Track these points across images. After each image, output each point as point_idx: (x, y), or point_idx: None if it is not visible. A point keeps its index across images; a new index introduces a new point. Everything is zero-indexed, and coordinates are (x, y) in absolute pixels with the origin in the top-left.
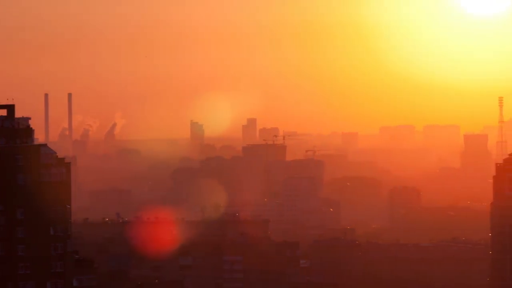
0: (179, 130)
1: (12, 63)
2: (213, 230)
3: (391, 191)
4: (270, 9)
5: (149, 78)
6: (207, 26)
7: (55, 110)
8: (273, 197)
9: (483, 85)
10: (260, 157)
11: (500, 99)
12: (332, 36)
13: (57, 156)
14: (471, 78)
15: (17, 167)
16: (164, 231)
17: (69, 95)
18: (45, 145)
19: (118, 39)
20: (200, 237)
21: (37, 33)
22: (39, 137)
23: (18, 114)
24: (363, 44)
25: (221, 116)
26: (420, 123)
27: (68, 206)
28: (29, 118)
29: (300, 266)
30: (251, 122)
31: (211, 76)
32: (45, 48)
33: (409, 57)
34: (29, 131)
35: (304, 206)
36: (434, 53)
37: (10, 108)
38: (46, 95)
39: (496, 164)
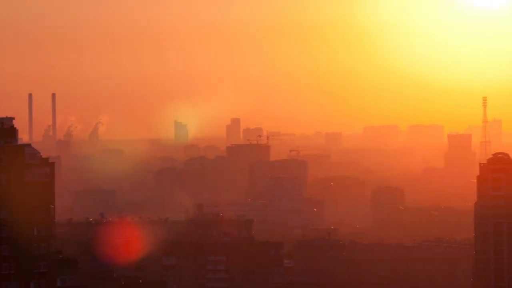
0: (162, 130)
1: None
2: (196, 230)
3: (375, 191)
4: (253, 9)
5: (133, 78)
6: (191, 26)
7: (39, 110)
8: (257, 197)
9: (467, 85)
10: (244, 157)
11: (484, 99)
12: (315, 36)
13: (41, 156)
14: (455, 78)
15: (1, 167)
16: (147, 231)
17: (53, 95)
18: (29, 145)
19: (102, 39)
20: (184, 237)
21: (20, 33)
22: (23, 137)
23: (1, 114)
24: (347, 44)
25: (205, 116)
26: (404, 123)
27: (52, 206)
28: (13, 118)
29: (284, 266)
30: (235, 122)
31: (195, 76)
32: (29, 48)
33: (393, 57)
34: (13, 131)
35: (288, 206)
36: (417, 53)
37: None
38: (30, 95)
39: (480, 164)
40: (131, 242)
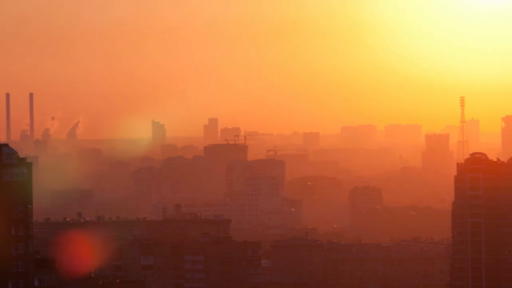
0: (140, 129)
1: None
2: (174, 229)
3: (352, 190)
4: (230, 9)
5: (111, 77)
6: (169, 26)
7: (17, 110)
8: (235, 197)
9: (444, 85)
10: (221, 157)
11: (462, 99)
12: (292, 36)
13: (19, 156)
14: (432, 78)
15: None
16: (125, 231)
17: (31, 95)
18: (6, 145)
19: (80, 39)
20: (162, 237)
21: None
22: (0, 137)
23: None
24: (324, 44)
25: (182, 116)
26: (382, 123)
27: (30, 206)
28: None
29: (262, 266)
30: (213, 122)
31: (173, 76)
32: (6, 48)
33: (369, 57)
34: None
35: (265, 206)
36: (394, 52)
37: None
38: (7, 95)
39: (458, 163)
40: (108, 241)
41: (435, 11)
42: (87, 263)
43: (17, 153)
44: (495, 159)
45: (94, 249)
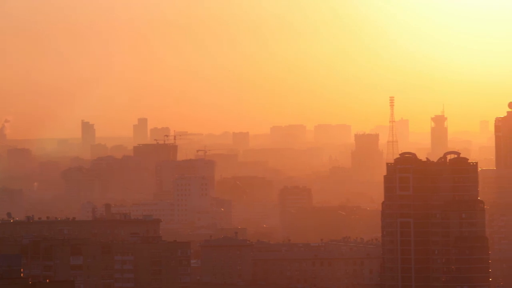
0: (70, 129)
1: None
2: (104, 229)
3: (282, 190)
4: (160, 7)
5: (40, 76)
6: (98, 24)
7: None
8: (164, 196)
9: (374, 84)
10: (151, 156)
11: (391, 99)
12: (219, 33)
13: None
14: (361, 77)
15: None
16: (55, 231)
17: None
18: None
19: (8, 37)
20: (91, 237)
21: None
22: None
23: None
24: (252, 41)
25: (112, 115)
26: (311, 123)
27: None
28: None
29: (191, 266)
30: (142, 121)
31: (102, 75)
32: None
33: (298, 56)
34: None
35: (195, 206)
36: (323, 52)
37: None
38: None
39: (387, 163)
40: (39, 241)
41: (362, 11)
42: (17, 263)
43: None
44: (425, 159)
45: (24, 249)
